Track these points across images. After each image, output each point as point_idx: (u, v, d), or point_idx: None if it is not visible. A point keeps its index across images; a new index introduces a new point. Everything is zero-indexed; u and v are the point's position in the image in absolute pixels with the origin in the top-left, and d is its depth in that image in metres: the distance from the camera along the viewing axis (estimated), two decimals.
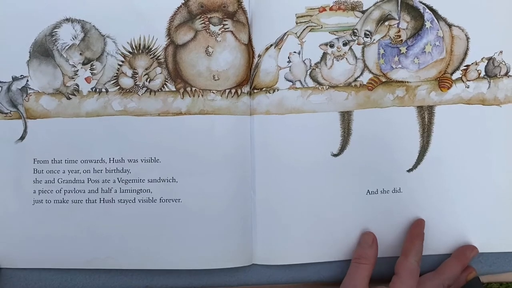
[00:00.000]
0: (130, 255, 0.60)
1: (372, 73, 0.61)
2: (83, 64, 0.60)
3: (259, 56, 0.60)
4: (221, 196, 0.60)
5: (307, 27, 0.60)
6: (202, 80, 0.60)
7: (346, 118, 0.61)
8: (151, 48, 0.60)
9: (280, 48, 0.60)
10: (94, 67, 0.60)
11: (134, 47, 0.60)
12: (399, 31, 0.61)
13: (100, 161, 0.60)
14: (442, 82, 0.62)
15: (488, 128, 0.62)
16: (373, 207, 0.62)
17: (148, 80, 0.60)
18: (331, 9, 0.60)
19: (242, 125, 0.60)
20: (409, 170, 0.62)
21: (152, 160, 0.60)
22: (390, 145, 0.62)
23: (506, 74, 0.62)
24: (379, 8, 0.61)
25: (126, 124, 0.60)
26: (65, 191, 0.60)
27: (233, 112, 0.60)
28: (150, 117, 0.60)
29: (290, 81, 0.61)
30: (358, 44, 0.61)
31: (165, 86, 0.60)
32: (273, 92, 0.60)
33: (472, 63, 0.62)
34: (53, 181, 0.60)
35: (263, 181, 0.61)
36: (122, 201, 0.60)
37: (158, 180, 0.60)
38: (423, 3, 0.61)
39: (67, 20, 0.59)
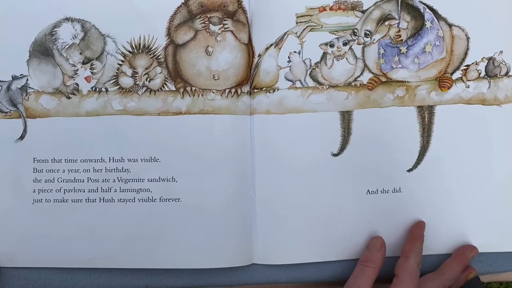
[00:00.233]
0: (130, 255, 0.60)
1: (372, 73, 0.61)
2: (83, 63, 0.60)
3: (259, 55, 0.60)
4: (221, 195, 0.60)
5: (307, 26, 0.60)
6: (202, 80, 0.60)
7: (346, 117, 0.61)
8: (151, 48, 0.60)
9: (280, 48, 0.60)
10: (94, 66, 0.60)
11: (134, 47, 0.60)
12: (399, 31, 0.61)
13: (100, 161, 0.60)
14: (442, 82, 0.62)
15: (488, 128, 0.62)
16: (373, 207, 0.62)
17: (148, 79, 0.60)
18: (331, 8, 0.60)
19: (242, 125, 0.60)
20: (409, 170, 0.62)
21: (152, 160, 0.60)
22: (390, 145, 0.62)
23: (506, 74, 0.62)
24: (379, 8, 0.61)
25: (126, 124, 0.60)
26: (65, 190, 0.60)
27: (233, 111, 0.60)
28: (150, 116, 0.60)
29: (290, 80, 0.61)
30: (358, 44, 0.61)
31: (165, 85, 0.60)
32: (273, 92, 0.60)
33: (472, 63, 0.62)
34: (53, 181, 0.60)
35: (263, 181, 0.61)
36: (122, 200, 0.60)
37: (158, 180, 0.60)
38: (423, 3, 0.61)
39: (67, 19, 0.59)
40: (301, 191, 0.61)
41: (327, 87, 0.61)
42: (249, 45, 0.60)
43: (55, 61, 0.60)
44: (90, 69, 0.60)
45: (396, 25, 0.61)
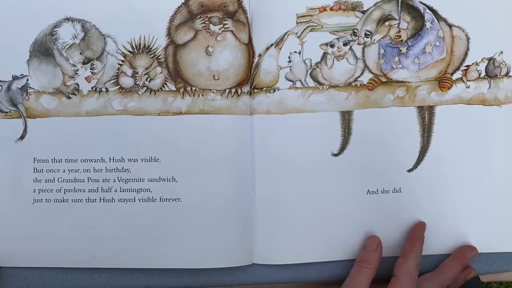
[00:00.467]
0: (130, 255, 0.60)
1: (373, 73, 0.61)
2: (83, 63, 0.60)
3: (260, 55, 0.60)
4: (221, 195, 0.60)
5: (307, 27, 0.60)
6: (202, 80, 0.60)
7: (346, 118, 0.61)
8: (151, 48, 0.60)
9: (280, 48, 0.60)
10: (94, 66, 0.60)
11: (134, 47, 0.60)
12: (399, 31, 0.61)
13: (100, 161, 0.60)
14: (443, 82, 0.62)
15: (488, 128, 0.62)
16: (373, 207, 0.62)
17: (148, 79, 0.60)
18: (331, 9, 0.60)
19: (242, 125, 0.60)
20: (409, 170, 0.62)
21: (152, 160, 0.60)
22: (390, 145, 0.62)
23: (507, 74, 0.62)
24: (380, 8, 0.61)
25: (126, 124, 0.60)
26: (65, 190, 0.60)
27: (233, 111, 0.60)
28: (150, 116, 0.60)
29: (290, 80, 0.61)
30: (359, 44, 0.61)
31: (165, 85, 0.60)
32: (273, 92, 0.60)
33: (472, 63, 0.62)
34: (53, 180, 0.60)
35: (263, 180, 0.61)
36: (122, 200, 0.60)
37: (158, 180, 0.60)
38: (424, 4, 0.61)
39: (67, 19, 0.59)
40: (301, 191, 0.61)
41: (328, 87, 0.61)
42: (249, 45, 0.60)
43: (55, 61, 0.60)
44: (90, 69, 0.60)
45: (396, 25, 0.61)
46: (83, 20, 0.60)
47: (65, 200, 0.60)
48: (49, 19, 0.60)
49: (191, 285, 0.62)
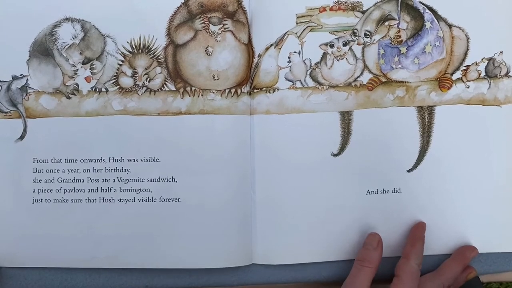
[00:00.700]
0: (130, 255, 0.60)
1: (372, 73, 0.61)
2: (83, 63, 0.60)
3: (259, 56, 0.60)
4: (221, 195, 0.60)
5: (307, 27, 0.60)
6: (202, 80, 0.60)
7: (346, 118, 0.61)
8: (151, 48, 0.60)
9: (280, 48, 0.60)
10: (94, 66, 0.60)
11: (134, 47, 0.60)
12: (399, 31, 0.61)
13: (100, 161, 0.60)
14: (442, 82, 0.62)
15: (488, 129, 0.62)
16: (373, 207, 0.62)
17: (148, 79, 0.60)
18: (331, 9, 0.60)
19: (242, 125, 0.60)
20: (409, 170, 0.62)
21: (152, 160, 0.60)
22: (390, 145, 0.62)
23: (506, 74, 0.62)
24: (379, 9, 0.61)
25: (126, 124, 0.60)
26: (65, 191, 0.60)
27: (233, 111, 0.60)
28: (150, 116, 0.60)
29: (290, 81, 0.61)
30: (358, 44, 0.61)
31: (165, 85, 0.60)
32: (273, 92, 0.60)
33: (472, 64, 0.62)
34: (52, 181, 0.60)
35: (263, 180, 0.61)
36: (121, 200, 0.60)
37: (158, 180, 0.60)
38: (423, 4, 0.61)
39: (67, 19, 0.59)
40: (301, 191, 0.61)
41: (327, 87, 0.61)
42: (249, 45, 0.60)
43: (55, 61, 0.60)
44: (90, 69, 0.60)
45: (396, 25, 0.61)
46: (83, 20, 0.60)
47: (65, 200, 0.60)
48: (49, 19, 0.60)
49: (191, 285, 0.62)
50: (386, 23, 0.61)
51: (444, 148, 0.62)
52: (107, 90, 0.60)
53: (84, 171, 0.60)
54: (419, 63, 0.61)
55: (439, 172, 0.62)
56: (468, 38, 0.62)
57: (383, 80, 0.61)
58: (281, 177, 0.61)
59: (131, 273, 0.61)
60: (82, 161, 0.60)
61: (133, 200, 0.60)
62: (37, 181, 0.60)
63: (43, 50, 0.59)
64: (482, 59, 0.62)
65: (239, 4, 0.60)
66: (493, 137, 0.62)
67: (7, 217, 0.60)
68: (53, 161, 0.60)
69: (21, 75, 0.60)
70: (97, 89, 0.60)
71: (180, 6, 0.60)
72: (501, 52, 0.62)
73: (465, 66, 0.62)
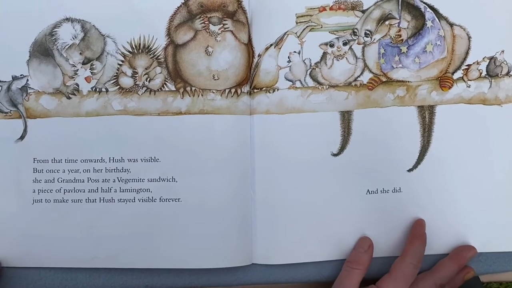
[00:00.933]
0: (130, 255, 0.60)
1: (373, 72, 0.61)
2: (83, 63, 0.60)
3: (259, 55, 0.60)
4: (221, 195, 0.60)
5: (307, 26, 0.60)
6: (202, 80, 0.60)
7: (346, 117, 0.61)
8: (151, 48, 0.60)
9: (280, 48, 0.60)
10: (94, 66, 0.60)
11: (134, 47, 0.60)
12: (399, 31, 0.61)
13: (100, 161, 0.60)
14: (443, 81, 0.61)
15: (489, 128, 0.62)
16: (373, 207, 0.62)
17: (148, 79, 0.60)
18: (331, 8, 0.60)
19: (242, 125, 0.60)
20: (409, 170, 0.62)
21: (152, 160, 0.60)
22: (390, 145, 0.61)
23: (508, 73, 0.62)
24: (380, 8, 0.61)
25: (126, 124, 0.60)
26: (65, 191, 0.60)
27: (233, 111, 0.60)
28: (150, 116, 0.60)
29: (290, 80, 0.61)
30: (358, 43, 0.61)
31: (165, 85, 0.60)
32: (273, 92, 0.60)
33: (473, 63, 0.62)
34: (53, 181, 0.60)
35: (263, 181, 0.61)
36: (122, 200, 0.60)
37: (158, 180, 0.60)
38: (424, 2, 0.61)
39: (67, 19, 0.59)
40: (301, 191, 0.61)
41: (327, 87, 0.61)
42: (249, 45, 0.60)
43: (55, 61, 0.60)
44: (90, 69, 0.60)
45: (396, 24, 0.61)
46: (83, 20, 0.60)
47: (65, 200, 0.60)
48: (49, 19, 0.60)
49: (190, 285, 0.62)
50: (387, 22, 0.61)
51: (444, 148, 0.62)
52: (107, 90, 0.60)
53: (84, 171, 0.60)
54: (420, 62, 0.61)
55: (439, 172, 0.62)
56: (469, 37, 0.62)
57: (384, 79, 0.61)
58: (281, 177, 0.61)
59: (131, 273, 0.61)
60: (82, 161, 0.60)
61: (133, 200, 0.60)
62: (37, 181, 0.60)
63: (43, 50, 0.59)
64: (483, 58, 0.62)
65: (239, 4, 0.60)
66: (494, 136, 0.62)
67: (7, 217, 0.60)
68: (53, 161, 0.60)
69: (21, 75, 0.60)
70: (97, 89, 0.60)
71: (180, 6, 0.60)
72: (503, 51, 0.62)
73: (466, 65, 0.62)
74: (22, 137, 0.60)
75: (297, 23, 0.60)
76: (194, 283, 0.62)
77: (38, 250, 0.60)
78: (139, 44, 0.60)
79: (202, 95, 0.60)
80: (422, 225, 0.61)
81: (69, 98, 0.60)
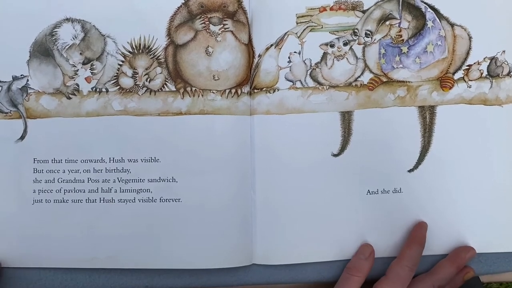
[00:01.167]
0: (130, 255, 0.60)
1: (373, 73, 0.61)
2: (83, 64, 0.60)
3: (259, 56, 0.60)
4: (221, 196, 0.60)
5: (307, 27, 0.60)
6: (202, 80, 0.60)
7: (346, 118, 0.61)
8: (151, 48, 0.60)
9: (280, 48, 0.60)
10: (94, 67, 0.60)
11: (134, 47, 0.60)
12: (400, 31, 0.61)
13: (100, 161, 0.60)
14: (444, 82, 0.61)
15: (490, 129, 0.62)
16: (373, 207, 0.61)
17: (148, 80, 0.60)
18: (331, 9, 0.60)
19: (242, 125, 0.60)
20: (410, 170, 0.62)
21: (152, 160, 0.60)
22: (391, 145, 0.61)
23: (509, 74, 0.62)
24: (380, 8, 0.61)
25: (126, 124, 0.60)
26: (65, 191, 0.60)
27: (233, 112, 0.60)
28: (150, 117, 0.60)
29: (290, 81, 0.61)
30: (359, 44, 0.61)
31: (165, 86, 0.60)
32: (273, 92, 0.60)
33: (474, 63, 0.62)
34: (53, 181, 0.60)
35: (263, 181, 0.61)
36: (122, 200, 0.60)
37: (158, 180, 0.60)
38: (425, 2, 0.61)
39: (67, 20, 0.59)
40: (301, 191, 0.61)
41: (328, 87, 0.61)
42: (249, 46, 0.60)
43: (55, 61, 0.60)
44: (90, 69, 0.60)
45: (397, 24, 0.61)
46: (83, 20, 0.59)
47: (65, 201, 0.60)
48: (49, 20, 0.60)
49: (191, 285, 0.62)
50: (387, 23, 0.61)
51: (445, 148, 0.62)
52: (107, 91, 0.60)
53: (85, 171, 0.60)
54: (420, 62, 0.61)
55: (440, 172, 0.62)
56: (470, 37, 0.61)
57: (384, 80, 0.61)
58: (281, 177, 0.61)
59: (131, 273, 0.61)
60: (82, 161, 0.60)
61: (133, 201, 0.60)
62: (37, 181, 0.60)
63: (43, 50, 0.59)
64: (484, 59, 0.62)
65: (239, 4, 0.60)
66: (494, 137, 0.62)
67: (7, 217, 0.60)
68: (53, 161, 0.60)
69: (21, 75, 0.60)
70: (98, 90, 0.60)
71: (180, 6, 0.60)
72: (504, 52, 0.62)
73: (467, 66, 0.62)
74: (22, 137, 0.60)
75: (297, 23, 0.60)
76: (194, 283, 0.62)
77: (38, 250, 0.60)
78: (140, 44, 0.60)
79: (202, 96, 0.60)
80: (423, 228, 0.61)
81: (69, 98, 0.60)
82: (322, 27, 0.60)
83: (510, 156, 0.62)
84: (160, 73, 0.60)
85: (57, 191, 0.60)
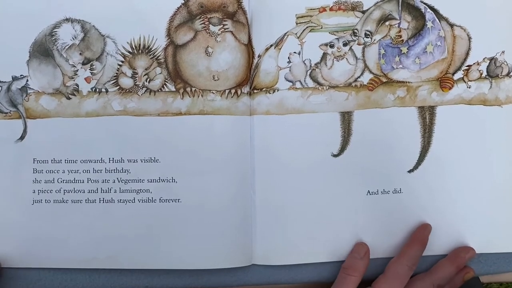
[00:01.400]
0: (129, 255, 0.60)
1: (373, 73, 0.61)
2: (83, 64, 0.60)
3: (259, 56, 0.60)
4: (221, 196, 0.60)
5: (307, 27, 0.60)
6: (202, 80, 0.60)
7: (346, 118, 0.61)
8: (151, 48, 0.60)
9: (280, 49, 0.60)
10: (94, 67, 0.60)
11: (134, 47, 0.60)
12: (400, 31, 0.61)
13: (100, 161, 0.60)
14: (444, 82, 0.61)
15: (489, 129, 0.62)
16: (373, 208, 0.61)
17: (148, 80, 0.60)
18: (331, 9, 0.60)
19: (242, 125, 0.60)
20: (410, 171, 0.62)
21: (152, 160, 0.60)
22: (390, 146, 0.61)
23: (508, 74, 0.62)
24: (380, 8, 0.61)
25: (126, 124, 0.60)
26: (65, 191, 0.60)
27: (233, 112, 0.60)
28: (150, 117, 0.60)
29: (290, 81, 0.61)
30: (359, 44, 0.61)
31: (165, 86, 0.60)
32: (273, 93, 0.60)
33: (473, 63, 0.62)
34: (52, 181, 0.60)
35: (263, 181, 0.61)
36: (121, 201, 0.60)
37: (158, 180, 0.60)
38: (424, 3, 0.61)
39: (67, 20, 0.59)
40: (301, 191, 0.61)
41: (327, 87, 0.61)
42: (249, 46, 0.60)
43: (55, 61, 0.60)
44: (90, 69, 0.60)
45: (396, 25, 0.61)
46: (83, 20, 0.59)
47: (64, 201, 0.60)
48: (48, 20, 0.60)
49: (191, 286, 0.62)
50: (387, 23, 0.61)
51: (445, 149, 0.62)
52: (107, 91, 0.60)
53: (84, 171, 0.60)
54: (420, 63, 0.61)
55: (440, 173, 0.62)
56: (469, 38, 0.62)
57: (384, 80, 0.61)
58: (281, 178, 0.61)
59: (131, 273, 0.61)
60: (82, 161, 0.60)
61: (133, 201, 0.60)
62: (37, 181, 0.60)
63: (43, 50, 0.59)
64: (483, 59, 0.62)
65: (239, 5, 0.60)
66: (494, 137, 0.62)
67: (7, 218, 0.60)
68: (53, 161, 0.60)
69: (21, 75, 0.60)
70: (97, 90, 0.60)
71: (180, 6, 0.60)
72: (503, 52, 0.62)
73: (466, 66, 0.62)
74: (22, 138, 0.60)
75: (297, 23, 0.60)
76: (194, 283, 0.62)
77: (38, 250, 0.60)
78: (139, 45, 0.60)
79: (202, 96, 0.60)
80: (426, 229, 0.61)
81: (69, 98, 0.60)
82: (321, 28, 0.60)
83: (509, 156, 0.62)
84: (160, 73, 0.60)
85: (57, 191, 0.60)
